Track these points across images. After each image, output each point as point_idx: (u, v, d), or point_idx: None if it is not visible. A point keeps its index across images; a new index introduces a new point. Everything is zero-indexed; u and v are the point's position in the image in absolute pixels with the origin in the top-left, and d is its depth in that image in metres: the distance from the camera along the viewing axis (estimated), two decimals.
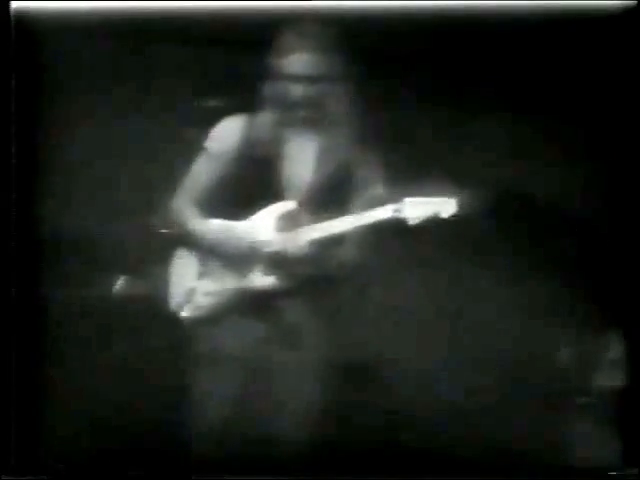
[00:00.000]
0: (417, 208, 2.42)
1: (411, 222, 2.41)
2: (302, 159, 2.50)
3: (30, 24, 2.48)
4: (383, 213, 2.43)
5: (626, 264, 2.45)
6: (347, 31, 2.42)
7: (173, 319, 2.50)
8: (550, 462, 2.46)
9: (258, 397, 2.49)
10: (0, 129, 2.44)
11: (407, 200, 2.42)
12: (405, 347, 2.49)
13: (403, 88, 2.48)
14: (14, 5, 2.46)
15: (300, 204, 2.47)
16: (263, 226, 2.48)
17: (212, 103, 2.48)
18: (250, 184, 2.48)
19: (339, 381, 2.49)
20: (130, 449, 2.46)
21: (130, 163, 2.52)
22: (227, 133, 2.50)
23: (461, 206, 2.41)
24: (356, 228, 2.44)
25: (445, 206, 2.41)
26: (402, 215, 2.42)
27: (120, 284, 2.54)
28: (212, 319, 2.49)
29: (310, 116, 2.47)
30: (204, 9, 2.47)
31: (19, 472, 2.43)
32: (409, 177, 2.47)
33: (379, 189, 2.49)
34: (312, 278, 2.48)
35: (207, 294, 2.50)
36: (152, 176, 2.49)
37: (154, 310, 2.51)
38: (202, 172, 2.50)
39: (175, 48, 2.52)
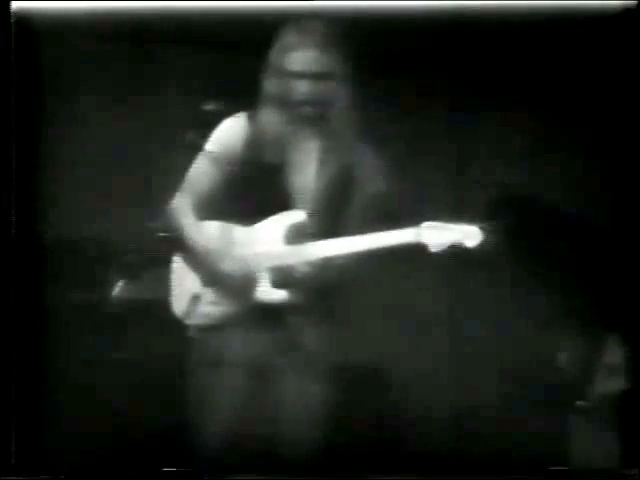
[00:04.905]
0: (439, 235, 2.39)
1: (433, 249, 2.37)
2: (306, 161, 2.48)
3: (30, 24, 2.48)
4: (404, 236, 2.40)
5: (626, 268, 2.45)
6: (350, 30, 2.41)
7: (177, 323, 2.49)
8: (550, 463, 2.47)
9: (263, 401, 2.48)
10: (0, 129, 2.44)
11: (429, 225, 2.38)
12: (407, 352, 2.49)
13: (404, 87, 2.49)
14: (14, 5, 2.46)
15: (309, 214, 2.45)
16: (271, 236, 2.45)
17: (214, 104, 2.47)
18: (253, 188, 2.45)
19: (343, 385, 2.49)
20: (130, 449, 2.46)
21: (130, 165, 2.51)
22: (229, 134, 2.47)
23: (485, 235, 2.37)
24: (374, 248, 2.40)
25: (469, 235, 2.37)
26: (423, 240, 2.38)
27: (121, 287, 2.54)
28: (217, 327, 2.47)
29: (314, 114, 2.44)
30: (205, 9, 2.47)
31: (19, 472, 2.43)
32: (408, 175, 2.48)
33: (380, 186, 2.47)
34: (323, 292, 2.45)
35: (212, 303, 2.47)
36: (153, 178, 2.49)
37: (157, 313, 2.50)
38: (203, 175, 2.47)
39: (175, 48, 2.52)
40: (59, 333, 2.48)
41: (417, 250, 2.36)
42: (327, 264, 2.40)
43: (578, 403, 2.51)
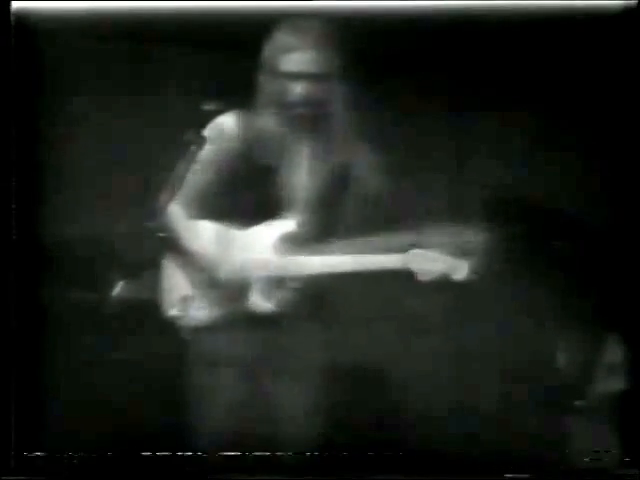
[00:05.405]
0: (427, 264, 2.40)
1: (420, 277, 2.39)
2: (300, 163, 2.48)
3: (30, 24, 2.48)
4: (393, 262, 2.40)
5: (626, 267, 2.45)
6: (347, 30, 2.41)
7: (171, 324, 2.49)
8: (550, 463, 2.46)
9: (262, 401, 2.48)
10: (0, 129, 2.44)
11: (419, 252, 2.40)
12: (407, 352, 2.49)
13: (403, 87, 2.48)
14: (14, 5, 2.46)
15: (301, 225, 2.44)
16: (262, 245, 2.45)
17: (214, 104, 2.47)
18: (246, 188, 2.45)
19: (343, 385, 2.49)
20: (129, 449, 2.46)
21: (130, 165, 2.51)
22: (221, 132, 2.47)
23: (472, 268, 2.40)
24: (362, 270, 2.41)
25: (457, 268, 2.39)
26: (412, 268, 2.40)
27: (120, 287, 2.53)
28: (209, 328, 2.47)
29: (309, 115, 2.44)
30: (205, 9, 2.47)
31: (19, 472, 2.42)
32: (408, 176, 2.47)
33: (378, 187, 2.47)
34: (319, 295, 2.45)
35: (202, 305, 2.47)
36: (153, 178, 2.49)
37: (157, 313, 2.50)
38: (195, 174, 2.46)
39: (175, 48, 2.52)
40: (59, 333, 2.48)
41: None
42: (317, 278, 2.41)
43: (579, 403, 2.51)
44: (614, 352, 2.49)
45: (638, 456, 2.42)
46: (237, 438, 2.46)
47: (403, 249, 2.40)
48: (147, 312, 2.51)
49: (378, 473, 2.44)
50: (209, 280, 2.46)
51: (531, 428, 2.47)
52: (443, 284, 2.41)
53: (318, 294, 2.44)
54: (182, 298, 2.47)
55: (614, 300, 2.47)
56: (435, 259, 2.39)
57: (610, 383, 2.49)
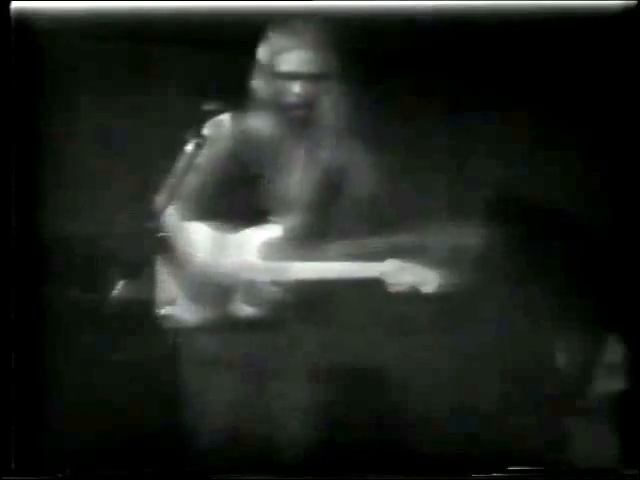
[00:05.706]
0: (399, 276, 2.39)
1: (390, 288, 2.40)
2: (295, 164, 2.48)
3: (30, 24, 2.48)
4: (370, 271, 2.40)
5: (626, 267, 2.45)
6: (345, 30, 2.42)
7: (162, 324, 2.50)
8: (550, 463, 2.46)
9: (262, 402, 2.48)
10: (0, 129, 2.44)
11: (395, 262, 2.40)
12: (407, 352, 2.49)
13: (402, 88, 2.49)
14: (14, 5, 2.47)
15: (290, 229, 2.44)
16: (249, 249, 2.44)
17: (213, 104, 2.47)
18: (241, 189, 2.45)
19: (343, 386, 2.49)
20: (129, 449, 2.46)
21: (130, 165, 2.51)
22: (217, 132, 2.46)
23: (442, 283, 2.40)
24: (341, 278, 2.41)
25: (426, 281, 2.39)
26: (385, 278, 2.40)
27: (120, 287, 2.54)
28: (196, 330, 2.47)
29: (305, 116, 2.44)
30: (205, 9, 2.47)
31: (19, 472, 2.43)
32: (406, 176, 2.48)
33: (375, 188, 2.47)
34: (315, 295, 2.45)
35: (189, 309, 2.47)
36: (153, 178, 2.49)
37: (153, 313, 2.50)
38: (191, 175, 2.45)
39: (175, 48, 2.52)
40: (58, 333, 2.49)
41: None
42: (303, 283, 2.41)
43: (579, 403, 2.51)
44: (614, 352, 2.49)
45: (638, 456, 2.42)
46: (237, 438, 2.47)
47: (382, 257, 2.41)
48: (147, 312, 2.51)
49: (378, 473, 2.43)
50: (197, 282, 2.46)
51: (531, 428, 2.47)
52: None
53: (304, 298, 2.44)
54: (171, 299, 2.47)
55: (614, 300, 2.47)
56: (407, 270, 2.39)
57: (610, 383, 2.49)
